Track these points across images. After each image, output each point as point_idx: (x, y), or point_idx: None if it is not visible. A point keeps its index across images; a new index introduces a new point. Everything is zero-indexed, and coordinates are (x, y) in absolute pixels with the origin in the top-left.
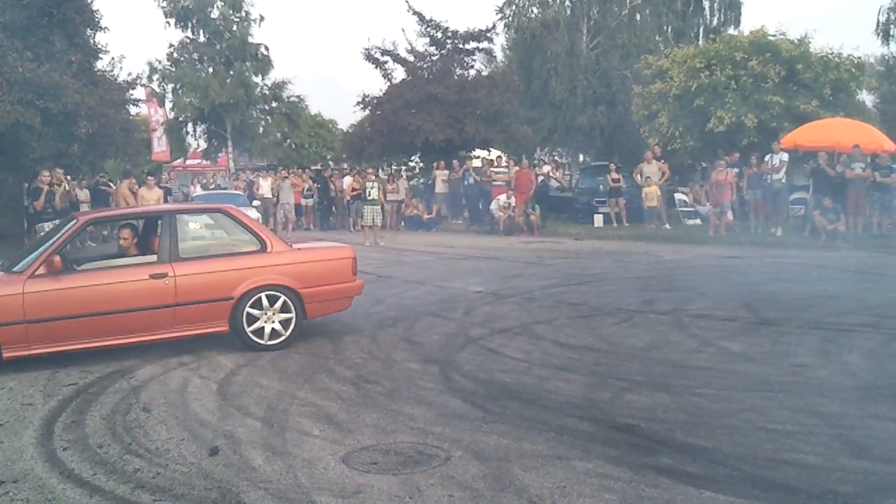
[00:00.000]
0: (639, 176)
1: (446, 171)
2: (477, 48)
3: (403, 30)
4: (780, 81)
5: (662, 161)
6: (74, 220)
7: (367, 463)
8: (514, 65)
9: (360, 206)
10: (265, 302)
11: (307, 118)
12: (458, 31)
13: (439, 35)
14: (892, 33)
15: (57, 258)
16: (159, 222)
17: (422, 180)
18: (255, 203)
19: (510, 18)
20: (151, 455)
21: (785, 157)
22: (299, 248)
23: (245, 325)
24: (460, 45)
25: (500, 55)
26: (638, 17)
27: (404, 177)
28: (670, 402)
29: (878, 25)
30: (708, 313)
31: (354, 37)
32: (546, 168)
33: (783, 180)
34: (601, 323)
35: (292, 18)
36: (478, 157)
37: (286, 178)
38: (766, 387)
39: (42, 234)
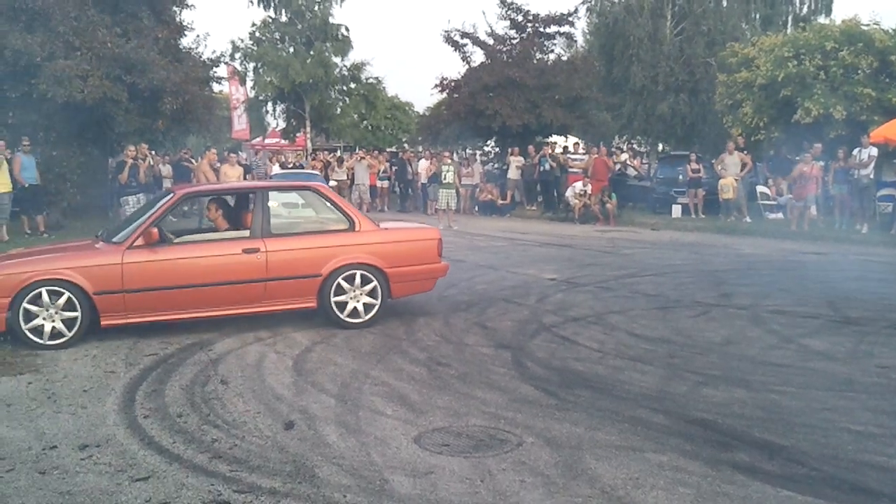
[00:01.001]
0: (720, 167)
1: (521, 158)
2: (558, 32)
3: (484, 12)
4: (871, 73)
5: (745, 152)
6: (171, 194)
7: (438, 444)
8: (594, 50)
9: (435, 190)
10: (352, 281)
11: (384, 100)
12: (539, 15)
13: (520, 18)
14: None
15: (154, 230)
16: (252, 198)
17: (497, 165)
18: (332, 183)
19: (593, 3)
20: (228, 426)
21: (874, 151)
22: (386, 228)
23: (332, 303)
24: (541, 29)
25: (580, 40)
26: (725, 3)
27: (479, 161)
28: (748, 398)
29: None
30: (788, 309)
31: (434, 19)
32: (624, 156)
33: (871, 176)
34: (677, 315)
35: None
36: (554, 143)
37: (363, 158)
38: (849, 387)
39: (128, 206)
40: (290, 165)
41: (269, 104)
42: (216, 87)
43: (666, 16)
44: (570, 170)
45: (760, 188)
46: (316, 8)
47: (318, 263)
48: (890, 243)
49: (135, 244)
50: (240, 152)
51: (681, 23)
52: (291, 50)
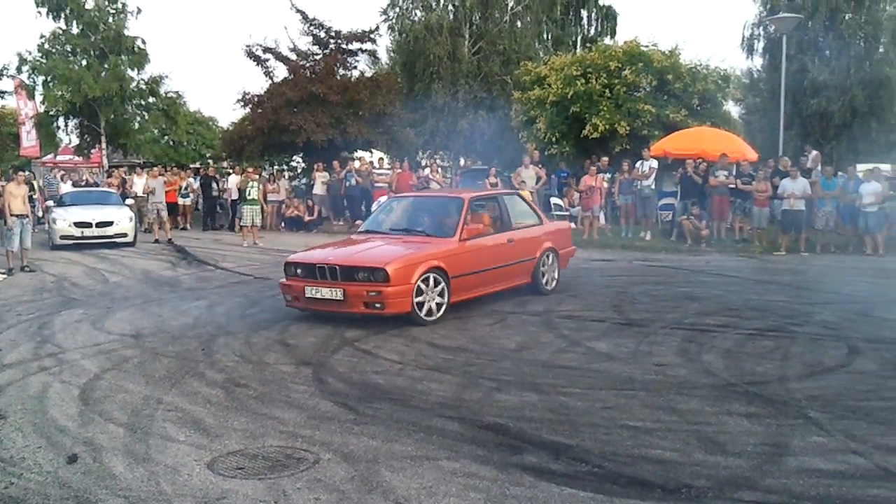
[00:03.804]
0: (518, 180)
1: (326, 173)
2: (360, 49)
3: (286, 28)
4: (651, 91)
5: (540, 166)
6: (462, 199)
7: (232, 468)
8: (397, 67)
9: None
10: (548, 260)
11: (186, 115)
12: (341, 32)
13: (322, 34)
14: (755, 47)
15: (482, 225)
16: (498, 201)
17: (304, 181)
18: (129, 201)
19: (394, 21)
20: (5, 464)
21: (654, 163)
22: (551, 223)
23: (540, 277)
24: (344, 46)
25: (384, 57)
26: (519, 24)
27: (286, 177)
28: (538, 401)
29: (743, 40)
30: (578, 314)
31: (236, 33)
32: (427, 170)
33: (652, 186)
34: (475, 324)
35: (171, 11)
36: (359, 159)
37: (160, 175)
38: (629, 385)
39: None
40: (82, 184)
41: (61, 119)
42: (0, 102)
43: (464, 35)
44: (376, 185)
45: (554, 199)
46: (110, 20)
47: (534, 249)
48: (670, 249)
49: (462, 237)
50: (27, 171)
51: (478, 42)
52: (84, 63)
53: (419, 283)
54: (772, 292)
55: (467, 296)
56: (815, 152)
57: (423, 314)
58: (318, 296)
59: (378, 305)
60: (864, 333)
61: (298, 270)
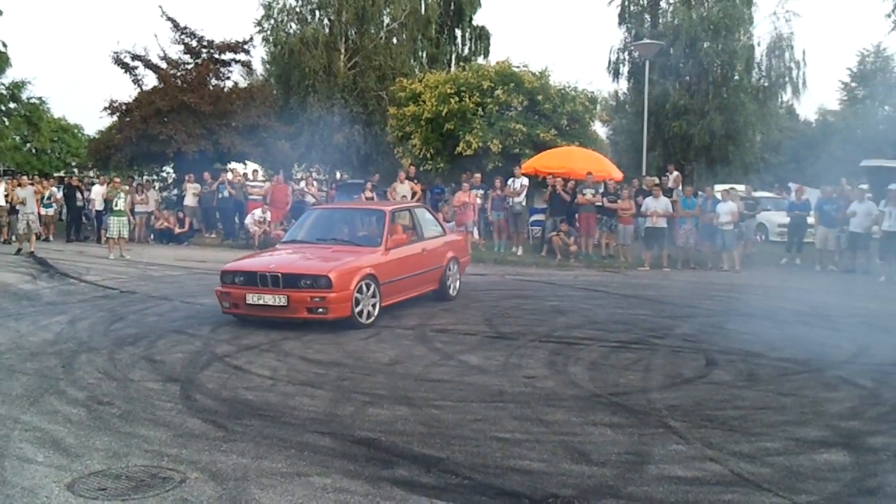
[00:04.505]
0: (393, 195)
1: (197, 185)
2: (234, 60)
3: (156, 35)
4: (522, 110)
5: (415, 181)
6: (384, 212)
7: (94, 489)
8: (272, 79)
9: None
10: (452, 268)
11: (49, 122)
12: (214, 41)
13: (194, 43)
14: (621, 71)
15: (404, 236)
16: (413, 213)
17: (174, 191)
18: None
19: (268, 32)
20: None
21: (525, 181)
22: (452, 234)
23: (446, 283)
24: (216, 56)
25: (259, 69)
26: (394, 40)
27: (156, 188)
28: (410, 415)
29: (609, 64)
30: (451, 328)
31: (104, 39)
32: (302, 183)
33: (523, 203)
34: (349, 338)
35: (36, 14)
36: (232, 170)
37: (30, 185)
38: (499, 398)
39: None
40: None
41: None
42: None
43: (340, 49)
44: (250, 197)
45: None
46: None
47: (441, 258)
48: (541, 264)
49: (388, 247)
50: None
51: (354, 57)
52: None
53: (357, 289)
54: (635, 306)
55: (390, 301)
56: (676, 173)
57: (361, 318)
58: (261, 302)
59: (321, 310)
60: (720, 346)
61: (238, 278)
